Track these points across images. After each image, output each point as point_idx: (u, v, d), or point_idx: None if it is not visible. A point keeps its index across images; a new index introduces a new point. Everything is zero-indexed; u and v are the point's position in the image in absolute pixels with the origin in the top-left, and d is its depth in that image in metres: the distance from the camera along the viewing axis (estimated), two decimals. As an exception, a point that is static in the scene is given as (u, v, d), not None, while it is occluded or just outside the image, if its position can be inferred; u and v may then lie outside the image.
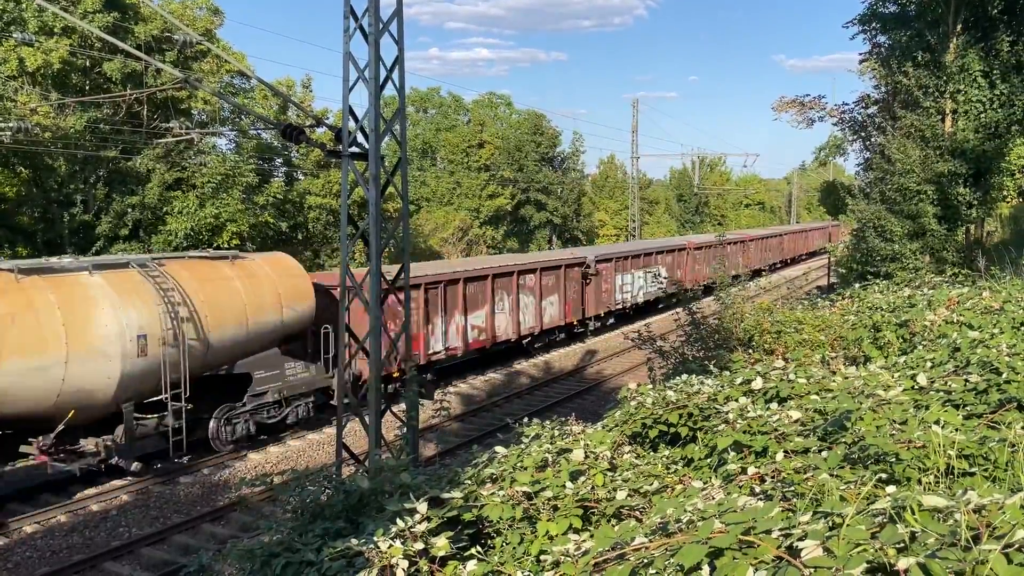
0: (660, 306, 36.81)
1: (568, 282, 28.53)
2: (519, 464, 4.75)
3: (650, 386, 6.34)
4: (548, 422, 5.77)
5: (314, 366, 18.63)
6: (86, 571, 12.38)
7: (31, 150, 24.27)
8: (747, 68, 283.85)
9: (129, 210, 27.72)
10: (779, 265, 28.87)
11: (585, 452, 4.74)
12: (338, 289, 18.65)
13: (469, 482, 4.81)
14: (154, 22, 28.05)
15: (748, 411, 4.95)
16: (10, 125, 19.52)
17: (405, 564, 3.60)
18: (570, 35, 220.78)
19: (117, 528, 13.89)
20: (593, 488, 4.24)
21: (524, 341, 26.87)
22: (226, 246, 29.29)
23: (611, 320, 32.87)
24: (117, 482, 15.49)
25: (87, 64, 27.59)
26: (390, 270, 18.58)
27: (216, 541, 13.13)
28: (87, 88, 27.68)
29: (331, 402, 19.01)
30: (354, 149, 11.60)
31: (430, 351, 21.95)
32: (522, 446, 5.41)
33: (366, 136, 11.50)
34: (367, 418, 11.74)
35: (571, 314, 28.87)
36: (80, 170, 27.36)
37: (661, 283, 35.58)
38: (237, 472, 16.37)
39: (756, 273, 43.16)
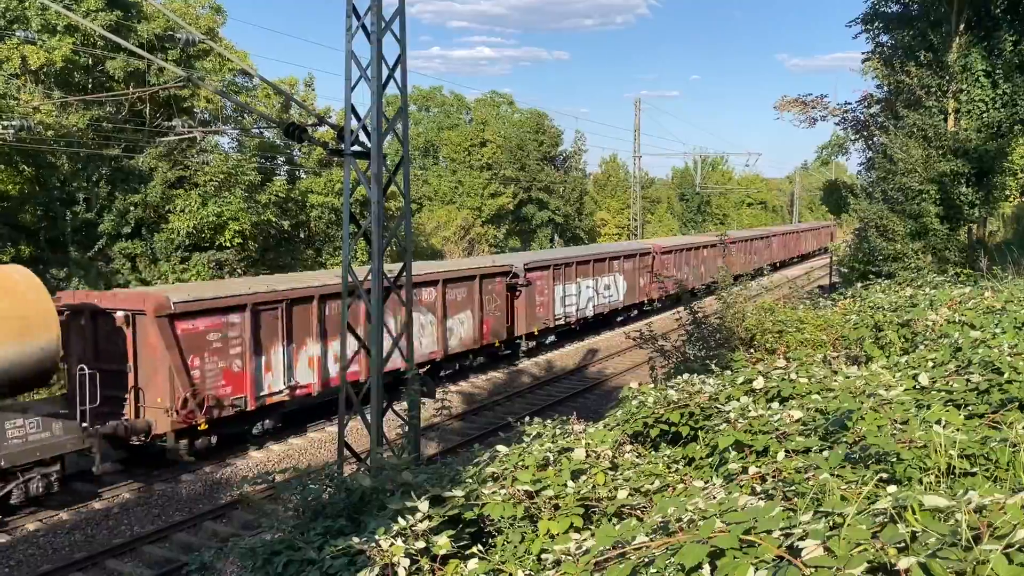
0: (619, 319, 33.15)
1: (487, 296, 23.77)
2: (520, 463, 4.75)
3: (651, 385, 6.35)
4: (550, 421, 5.78)
5: (59, 423, 13.84)
6: (88, 568, 12.41)
7: (34, 148, 24.31)
8: (749, 67, 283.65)
9: (131, 208, 27.74)
10: (767, 270, 26.99)
11: (586, 451, 4.75)
12: (119, 313, 15.24)
13: (470, 481, 4.81)
14: (157, 20, 28.07)
15: (749, 410, 4.96)
16: (13, 123, 19.55)
17: (406, 562, 3.61)
18: (572, 34, 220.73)
19: (119, 526, 13.92)
20: (594, 487, 4.25)
21: (422, 370, 21.21)
22: (228, 244, 29.32)
23: (551, 338, 28.49)
24: (120, 480, 15.51)
25: (90, 62, 27.61)
26: (285, 278, 15.64)
27: (218, 539, 13.14)
28: (90, 86, 27.70)
29: (94, 468, 14.61)
30: (356, 148, 11.61)
31: (263, 391, 17.09)
32: (523, 445, 5.41)
33: (368, 135, 11.50)
34: (368, 417, 11.75)
35: (491, 334, 24.26)
36: (83, 168, 27.38)
37: (615, 294, 31.67)
38: (239, 470, 16.40)
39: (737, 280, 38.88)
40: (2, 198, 25.47)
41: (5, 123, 19.89)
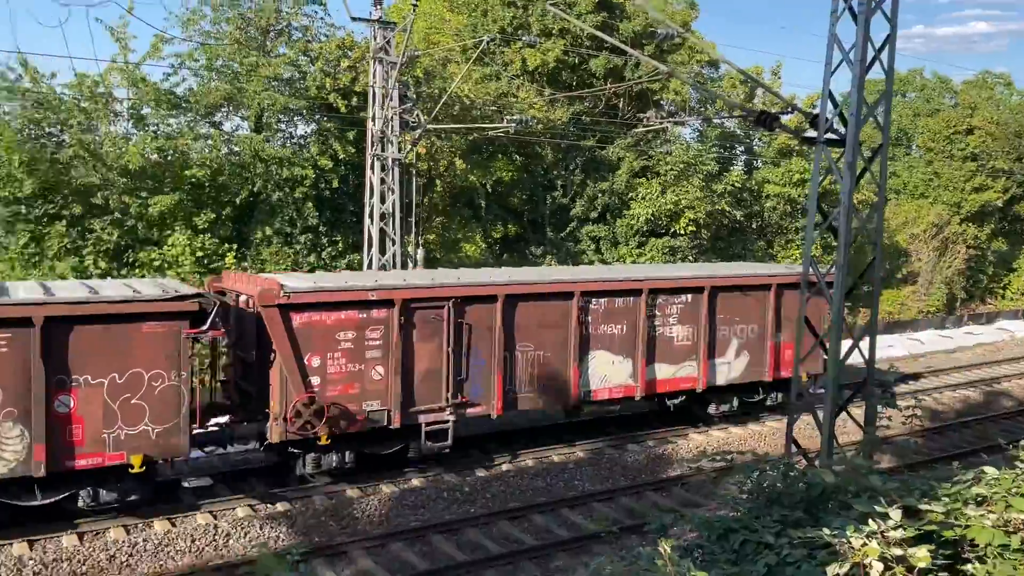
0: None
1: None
2: (1015, 489, 4.21)
3: None
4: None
5: None
6: (547, 512, 14.00)
7: (525, 140, 27.81)
8: None
9: (599, 195, 30.24)
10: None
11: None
12: None
13: (947, 499, 4.41)
14: (637, 19, 30.02)
15: None
16: (514, 118, 22.52)
17: (880, 567, 3.44)
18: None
19: (573, 480, 15.44)
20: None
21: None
22: (682, 232, 30.40)
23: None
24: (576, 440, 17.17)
25: (576, 62, 30.62)
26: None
27: (659, 509, 13.84)
28: (574, 84, 30.74)
29: None
30: (829, 135, 11.15)
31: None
32: (1017, 470, 4.78)
33: (843, 121, 10.96)
34: (820, 416, 11.31)
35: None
36: (562, 158, 30.58)
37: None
38: (679, 449, 17.04)
39: None
40: (498, 183, 29.62)
41: (508, 118, 23.05)
